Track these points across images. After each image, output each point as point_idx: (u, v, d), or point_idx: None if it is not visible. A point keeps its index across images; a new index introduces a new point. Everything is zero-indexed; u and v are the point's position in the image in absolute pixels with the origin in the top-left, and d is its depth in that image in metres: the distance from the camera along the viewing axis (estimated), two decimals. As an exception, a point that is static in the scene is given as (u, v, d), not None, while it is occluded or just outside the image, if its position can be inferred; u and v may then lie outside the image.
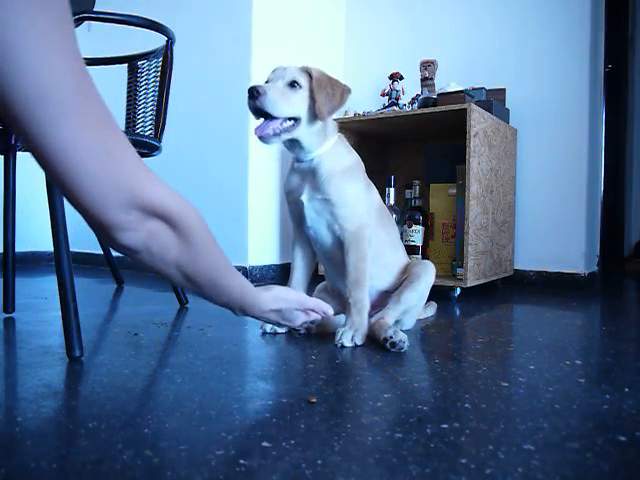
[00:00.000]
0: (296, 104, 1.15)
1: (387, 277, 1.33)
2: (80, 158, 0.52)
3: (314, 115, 1.17)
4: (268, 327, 1.30)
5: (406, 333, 1.20)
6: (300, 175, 1.25)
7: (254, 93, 1.09)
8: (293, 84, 1.15)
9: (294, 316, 1.04)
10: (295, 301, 1.01)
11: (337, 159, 1.23)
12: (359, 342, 1.17)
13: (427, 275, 1.32)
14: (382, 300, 1.31)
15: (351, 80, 2.84)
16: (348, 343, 1.16)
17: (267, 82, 1.19)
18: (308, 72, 1.17)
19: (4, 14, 0.44)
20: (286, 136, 1.16)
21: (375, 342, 1.18)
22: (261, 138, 1.14)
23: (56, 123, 0.49)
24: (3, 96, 0.47)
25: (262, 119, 1.15)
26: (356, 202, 1.21)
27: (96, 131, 0.53)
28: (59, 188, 0.55)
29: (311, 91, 1.16)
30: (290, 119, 1.15)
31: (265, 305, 0.93)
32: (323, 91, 1.16)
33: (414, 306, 1.31)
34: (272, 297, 0.95)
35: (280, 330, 1.30)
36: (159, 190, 0.60)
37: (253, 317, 0.95)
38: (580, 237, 2.25)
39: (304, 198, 1.22)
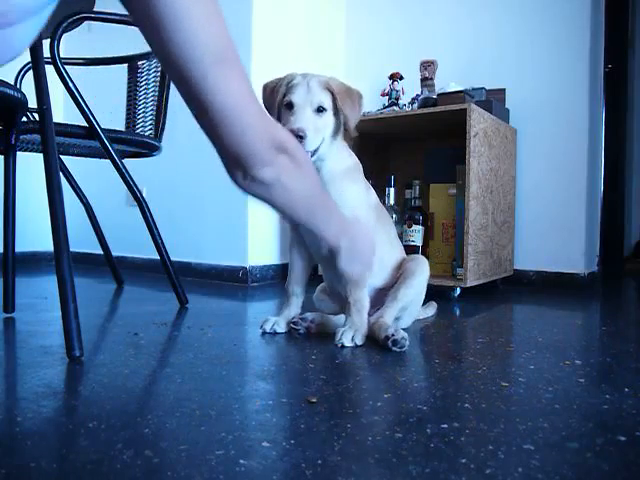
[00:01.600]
0: (322, 130, 1.15)
1: (383, 274, 1.33)
2: (251, 109, 0.66)
3: (335, 131, 1.19)
4: (268, 326, 1.30)
5: (405, 332, 1.20)
6: None
7: (300, 136, 1.09)
8: (320, 109, 1.15)
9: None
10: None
11: (338, 160, 1.23)
12: (359, 342, 1.17)
13: (421, 270, 1.32)
14: (379, 297, 1.31)
15: (351, 80, 2.83)
16: (348, 343, 1.16)
17: (289, 100, 1.15)
18: (329, 89, 1.16)
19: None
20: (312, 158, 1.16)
21: (375, 342, 1.18)
22: None
23: (216, 68, 0.60)
24: (168, 47, 0.57)
25: None
26: (356, 203, 1.21)
27: (246, 82, 0.65)
28: (221, 136, 0.66)
29: (334, 108, 1.17)
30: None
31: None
32: (347, 105, 1.16)
33: (411, 302, 1.32)
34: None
35: (280, 330, 1.30)
36: (283, 132, 0.77)
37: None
38: (580, 237, 2.25)
39: None
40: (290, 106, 1.14)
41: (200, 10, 0.57)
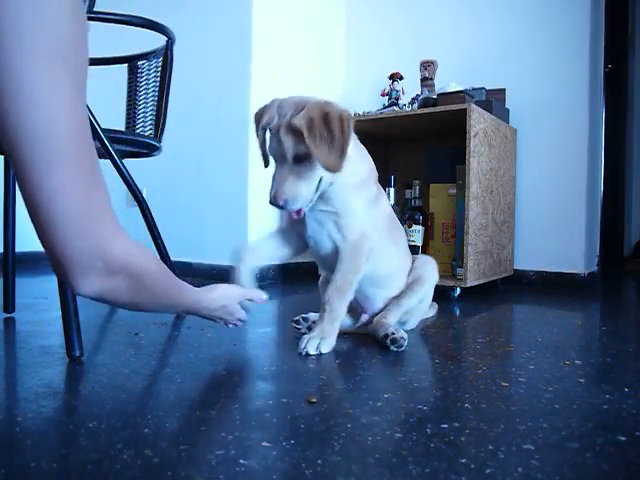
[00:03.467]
0: (310, 177, 1.03)
1: (397, 285, 1.30)
2: (65, 207, 0.56)
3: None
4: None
5: (405, 333, 1.20)
6: None
7: (279, 205, 1.02)
8: (298, 158, 1.02)
9: (237, 309, 1.05)
10: (237, 295, 1.05)
11: (353, 171, 1.13)
12: (324, 350, 1.10)
13: (430, 277, 1.32)
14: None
15: (351, 80, 2.85)
16: (313, 351, 1.09)
17: (263, 129, 1.06)
18: (298, 127, 0.99)
19: (22, 64, 0.49)
20: (315, 197, 1.08)
21: (375, 342, 1.18)
22: (289, 207, 1.05)
23: (51, 167, 0.54)
24: (8, 134, 0.52)
25: None
26: (362, 213, 1.15)
27: (84, 183, 0.57)
28: (36, 228, 0.58)
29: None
30: None
31: (213, 305, 0.98)
32: (321, 143, 0.98)
33: (416, 307, 1.31)
34: (219, 296, 0.99)
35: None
36: (126, 247, 0.65)
37: (201, 317, 1.01)
38: (580, 237, 2.25)
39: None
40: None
41: (53, 110, 0.53)
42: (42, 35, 0.50)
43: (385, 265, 1.24)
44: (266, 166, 1.13)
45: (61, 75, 0.53)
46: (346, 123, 1.02)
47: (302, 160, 1.01)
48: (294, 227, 1.20)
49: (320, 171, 1.03)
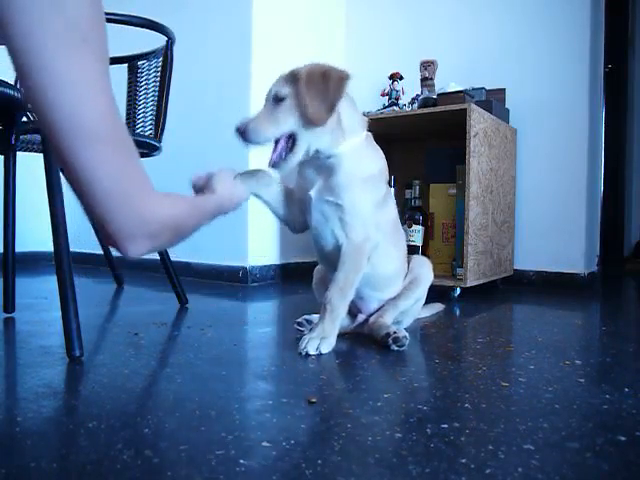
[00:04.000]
0: (281, 120, 1.06)
1: (393, 287, 1.30)
2: (106, 183, 0.60)
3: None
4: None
5: (406, 332, 1.20)
6: (314, 167, 1.15)
7: (240, 131, 1.08)
8: (277, 99, 1.07)
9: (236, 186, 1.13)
10: (229, 177, 1.13)
11: (361, 164, 1.14)
12: (325, 351, 1.10)
13: (426, 279, 1.33)
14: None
15: (351, 80, 2.84)
16: (313, 351, 1.08)
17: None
18: (295, 76, 1.06)
19: (47, 48, 0.52)
20: (294, 158, 1.09)
21: (373, 342, 1.18)
22: (273, 167, 1.11)
23: (87, 145, 0.57)
24: (44, 117, 0.55)
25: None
26: (369, 214, 1.14)
27: (120, 157, 0.61)
28: (82, 203, 0.62)
29: (299, 96, 1.04)
30: (289, 137, 1.08)
31: (227, 197, 1.04)
32: (312, 89, 1.03)
33: (412, 308, 1.32)
34: (222, 190, 1.04)
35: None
36: (161, 208, 0.71)
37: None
38: (580, 237, 2.25)
39: (313, 194, 1.14)
40: None
41: (81, 91, 0.55)
42: (62, 19, 0.53)
43: (384, 268, 1.24)
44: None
45: (85, 56, 0.56)
46: (343, 82, 1.07)
47: (279, 102, 1.06)
48: (299, 204, 1.20)
49: (289, 120, 1.06)
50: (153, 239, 0.69)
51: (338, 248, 1.16)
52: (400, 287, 1.31)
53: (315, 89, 1.03)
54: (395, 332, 1.14)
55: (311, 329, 1.16)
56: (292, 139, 1.09)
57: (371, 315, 1.28)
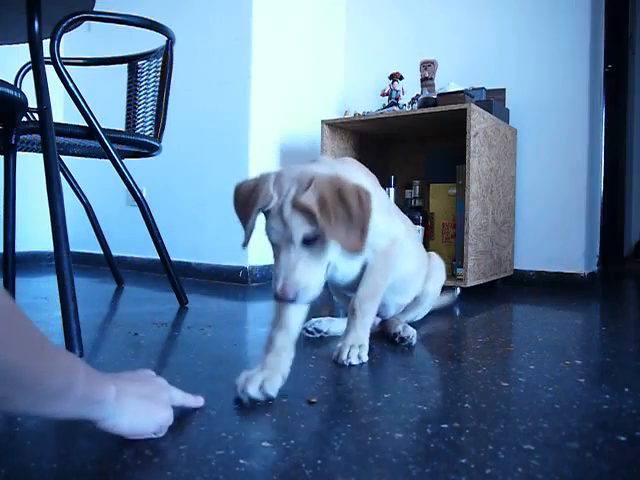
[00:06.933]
0: (321, 263, 0.86)
1: (413, 289, 1.29)
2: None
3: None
4: (253, 390, 0.81)
5: (414, 330, 1.21)
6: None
7: (285, 297, 0.82)
8: (306, 241, 0.84)
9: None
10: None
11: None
12: (365, 359, 1.04)
13: (435, 287, 1.37)
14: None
15: (351, 80, 2.84)
16: (356, 361, 1.02)
17: (269, 239, 0.87)
18: (307, 209, 0.82)
19: None
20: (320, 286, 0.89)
21: (374, 343, 1.18)
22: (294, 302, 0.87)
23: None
24: None
25: None
26: (386, 225, 1.07)
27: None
28: None
29: (326, 231, 0.82)
30: None
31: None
32: (337, 223, 0.82)
33: (422, 311, 1.39)
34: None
35: (272, 393, 0.82)
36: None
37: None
38: (580, 237, 2.25)
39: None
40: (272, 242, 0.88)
41: None
42: None
43: (404, 267, 1.19)
44: (244, 246, 0.89)
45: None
46: (365, 197, 0.85)
47: (311, 242, 0.84)
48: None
49: (332, 252, 0.88)
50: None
51: (364, 268, 1.09)
52: (420, 288, 1.30)
53: (336, 217, 0.82)
54: (400, 332, 1.17)
55: (344, 337, 1.06)
56: None
57: (386, 321, 1.29)
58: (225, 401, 0.80)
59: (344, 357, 1.02)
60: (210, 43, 2.45)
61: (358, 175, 1.02)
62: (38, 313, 1.52)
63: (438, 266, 1.37)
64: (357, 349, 1.03)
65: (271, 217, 0.84)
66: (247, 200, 0.87)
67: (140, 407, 0.63)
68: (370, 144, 2.56)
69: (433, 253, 1.44)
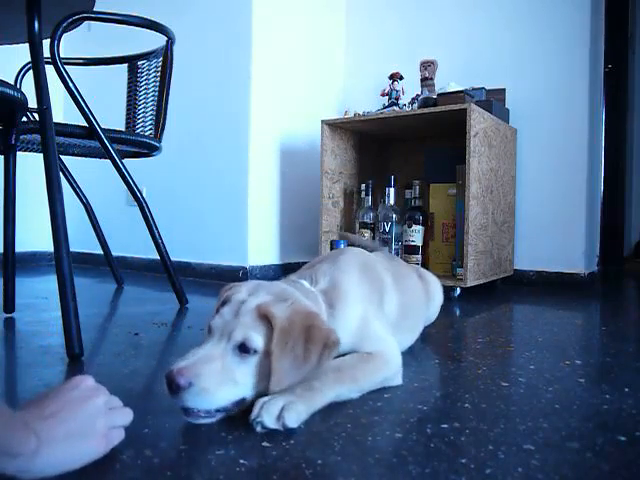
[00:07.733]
0: (240, 384, 0.70)
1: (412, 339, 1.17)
2: None
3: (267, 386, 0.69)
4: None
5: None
6: None
7: (173, 388, 0.66)
8: (244, 348, 0.70)
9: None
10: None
11: (344, 324, 0.87)
12: (292, 425, 0.69)
13: (434, 311, 1.34)
14: None
15: (351, 80, 2.85)
16: (272, 424, 0.68)
17: (209, 324, 0.76)
18: (269, 318, 0.72)
19: None
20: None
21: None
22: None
23: None
24: None
25: None
26: (380, 329, 0.93)
27: None
28: None
29: (268, 352, 0.70)
30: None
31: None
32: (289, 352, 0.70)
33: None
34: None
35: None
36: None
37: None
38: (580, 237, 2.25)
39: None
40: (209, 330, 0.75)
41: None
42: None
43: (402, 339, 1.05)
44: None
45: None
46: (327, 352, 0.73)
47: (245, 354, 0.70)
48: None
49: (249, 385, 0.71)
50: None
51: None
52: (419, 332, 1.19)
53: (291, 348, 0.71)
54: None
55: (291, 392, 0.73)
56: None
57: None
58: (225, 401, 0.80)
59: (254, 414, 0.69)
60: (210, 43, 2.45)
61: (351, 281, 0.92)
62: (38, 313, 1.52)
63: (437, 292, 1.32)
64: (283, 408, 0.69)
65: (228, 304, 0.75)
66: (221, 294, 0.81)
67: (70, 448, 0.56)
68: (370, 144, 2.56)
69: (428, 274, 1.35)
